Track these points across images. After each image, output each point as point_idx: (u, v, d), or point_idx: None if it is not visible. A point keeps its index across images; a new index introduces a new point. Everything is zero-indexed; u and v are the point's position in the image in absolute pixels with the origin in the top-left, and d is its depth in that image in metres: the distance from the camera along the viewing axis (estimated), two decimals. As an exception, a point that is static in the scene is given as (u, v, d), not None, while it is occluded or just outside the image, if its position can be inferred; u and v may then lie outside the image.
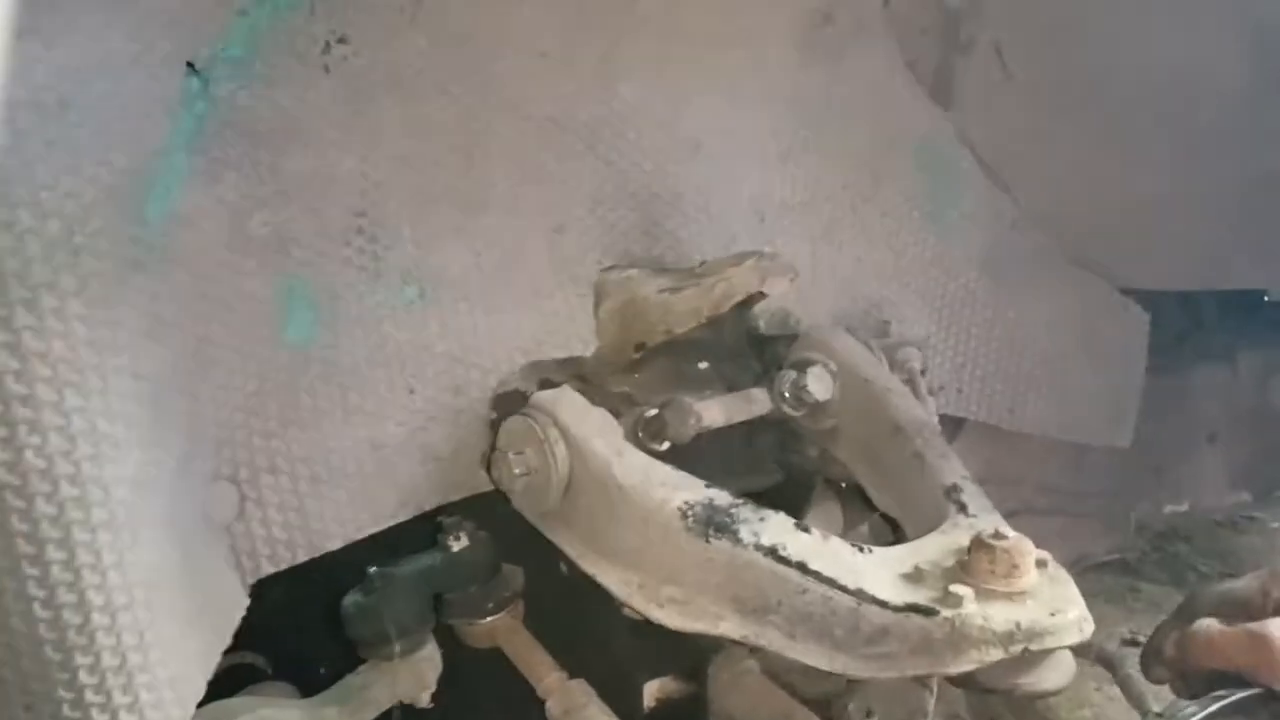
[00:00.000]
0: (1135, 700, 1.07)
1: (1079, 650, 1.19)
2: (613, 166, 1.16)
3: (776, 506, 1.25)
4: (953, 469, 1.07)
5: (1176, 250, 1.55)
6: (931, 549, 0.92)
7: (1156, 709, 1.05)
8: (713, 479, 0.97)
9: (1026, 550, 0.86)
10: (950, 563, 0.90)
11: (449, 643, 1.05)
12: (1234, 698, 0.77)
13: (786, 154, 1.32)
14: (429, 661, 1.01)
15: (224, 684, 0.91)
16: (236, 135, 0.86)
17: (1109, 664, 1.14)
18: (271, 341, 0.92)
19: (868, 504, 1.22)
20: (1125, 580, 1.88)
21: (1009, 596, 0.84)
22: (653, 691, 1.03)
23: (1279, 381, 1.73)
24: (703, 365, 1.20)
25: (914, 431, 1.12)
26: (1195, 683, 0.85)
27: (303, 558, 0.94)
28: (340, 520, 0.96)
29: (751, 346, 1.23)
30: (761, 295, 1.09)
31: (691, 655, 1.07)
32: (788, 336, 1.23)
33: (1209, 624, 0.84)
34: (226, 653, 0.88)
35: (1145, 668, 0.93)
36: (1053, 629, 0.82)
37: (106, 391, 0.72)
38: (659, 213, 1.20)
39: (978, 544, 0.86)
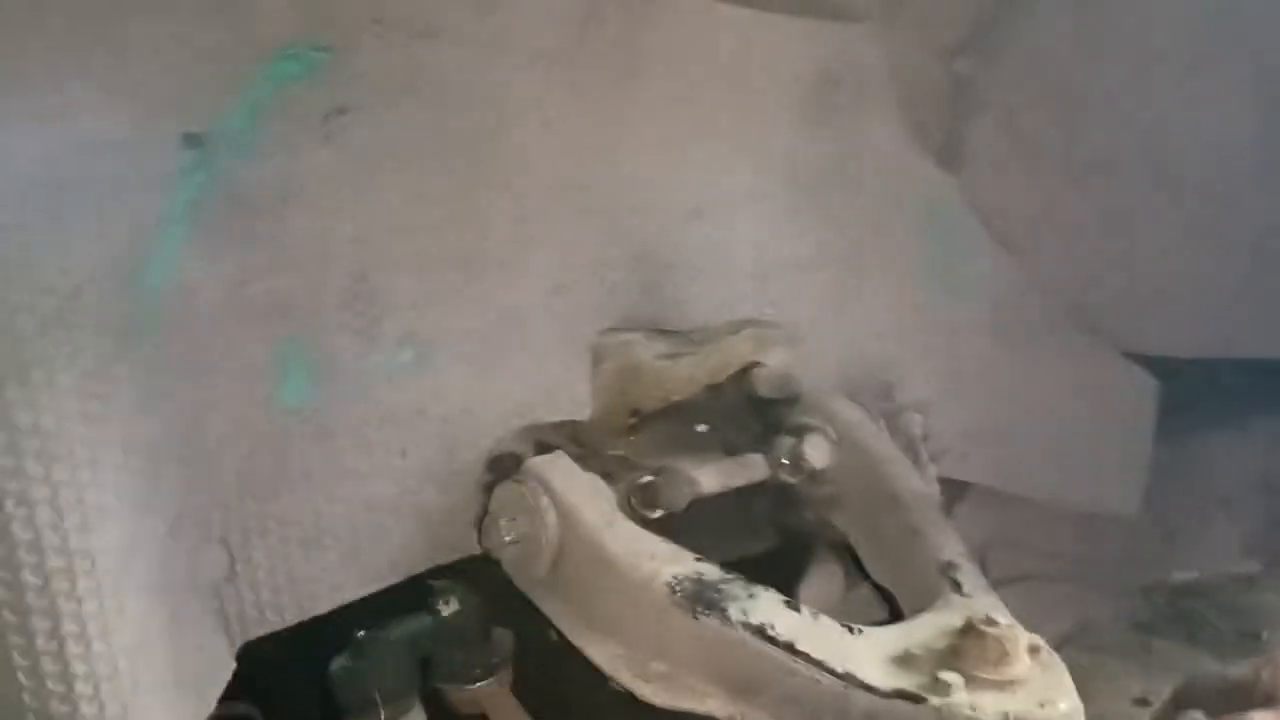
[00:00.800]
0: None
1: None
2: (613, 229, 1.17)
3: (774, 570, 1.25)
4: (950, 545, 1.07)
5: (1184, 317, 1.55)
6: (923, 630, 0.91)
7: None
8: (707, 543, 0.97)
9: (1019, 637, 0.85)
10: (942, 645, 0.89)
11: (435, 707, 1.05)
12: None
13: (791, 215, 1.32)
14: (415, 727, 1.01)
15: None
16: (235, 207, 0.87)
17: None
18: (266, 405, 0.93)
19: (863, 571, 1.21)
20: (1138, 637, 1.84)
21: (999, 685, 0.83)
22: (635, 763, 1.02)
23: (1291, 449, 1.71)
24: (701, 428, 1.20)
25: (912, 504, 1.11)
26: None
27: (291, 620, 0.94)
28: (330, 583, 0.96)
29: (751, 409, 1.23)
30: (759, 364, 1.09)
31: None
32: (788, 400, 1.23)
33: (1198, 715, 0.83)
34: (220, 701, 0.89)
35: None
36: None
37: (96, 464, 0.73)
38: (659, 275, 1.21)
39: (969, 630, 0.85)
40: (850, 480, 1.17)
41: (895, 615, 1.12)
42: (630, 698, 0.92)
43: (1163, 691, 1.03)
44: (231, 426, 0.91)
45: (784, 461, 1.16)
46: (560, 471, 0.99)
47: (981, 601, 0.96)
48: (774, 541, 1.24)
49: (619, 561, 0.92)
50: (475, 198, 1.05)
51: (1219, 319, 1.55)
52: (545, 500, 0.96)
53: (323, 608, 0.96)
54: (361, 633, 0.97)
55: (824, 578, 1.31)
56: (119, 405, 0.76)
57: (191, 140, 0.82)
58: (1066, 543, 1.63)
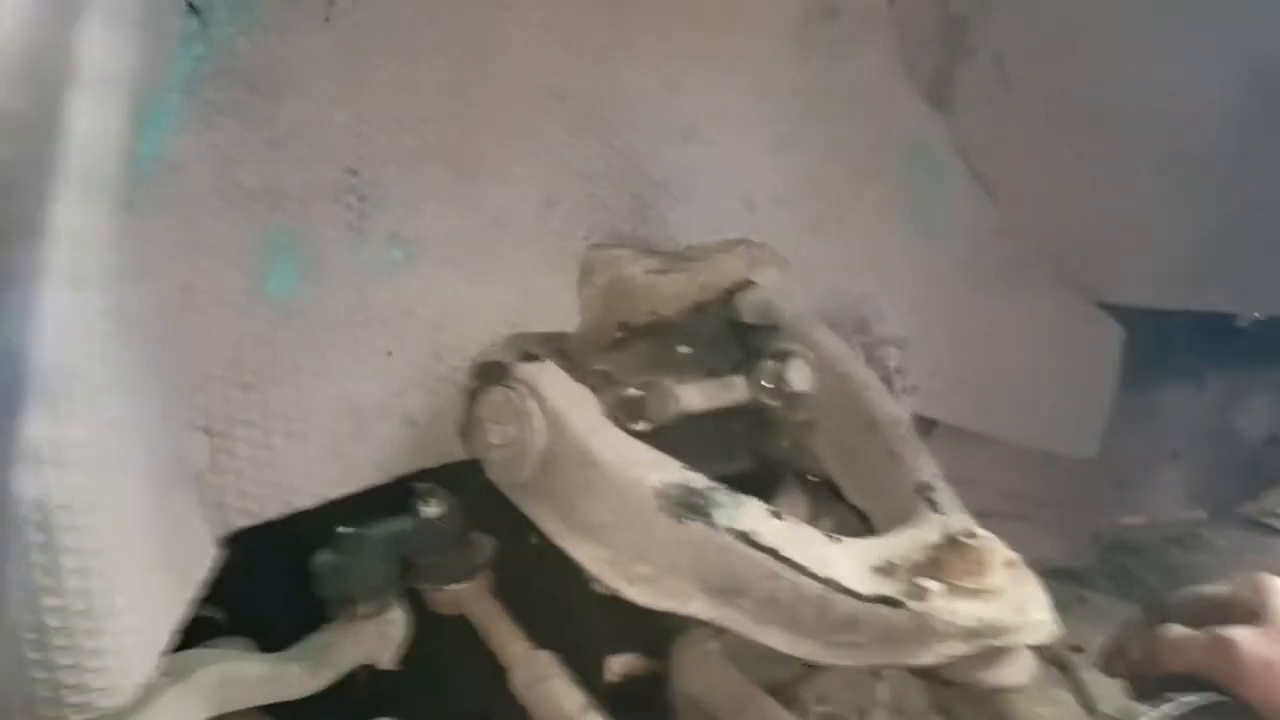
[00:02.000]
0: (1086, 701, 1.09)
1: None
2: (607, 144, 1.16)
3: (746, 493, 1.27)
4: (926, 467, 1.08)
5: (1155, 269, 1.58)
6: (902, 543, 0.92)
7: (1108, 711, 1.07)
8: (686, 462, 0.98)
9: (996, 550, 0.86)
10: (920, 558, 0.90)
11: (416, 608, 1.05)
12: (1188, 702, 0.78)
13: (780, 145, 1.32)
14: (394, 624, 1.01)
15: (181, 637, 0.90)
16: (232, 80, 0.85)
17: (1061, 664, 1.16)
18: (253, 294, 0.91)
19: (835, 497, 1.23)
20: (1072, 589, 1.90)
21: (976, 594, 0.84)
22: (616, 667, 1.04)
23: (1243, 404, 1.76)
24: (684, 350, 1.20)
25: (890, 428, 1.12)
26: (1154, 686, 0.86)
27: (274, 514, 0.93)
28: (314, 479, 0.96)
29: (733, 334, 1.23)
30: (749, 283, 1.09)
31: (656, 634, 1.08)
32: (769, 327, 1.23)
33: (1176, 627, 0.85)
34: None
35: (1108, 663, 0.94)
36: (1017, 627, 0.83)
37: (89, 334, 0.71)
38: (649, 195, 1.20)
39: (949, 541, 0.87)
40: (829, 405, 1.17)
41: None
42: (611, 600, 0.93)
43: (1094, 641, 1.06)
44: (220, 313, 0.90)
45: (766, 384, 1.16)
46: (549, 378, 0.98)
47: (957, 519, 0.98)
48: (748, 464, 1.24)
49: (606, 466, 0.92)
50: (469, 94, 1.03)
51: (1187, 273, 1.58)
52: (533, 405, 0.95)
53: (305, 503, 0.95)
54: (344, 529, 0.96)
55: (790, 505, 1.33)
56: (111, 272, 0.73)
57: (192, 9, 0.79)
58: (1022, 483, 1.67)
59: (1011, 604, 0.85)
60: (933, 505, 1.01)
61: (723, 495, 0.93)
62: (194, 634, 1.17)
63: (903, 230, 1.46)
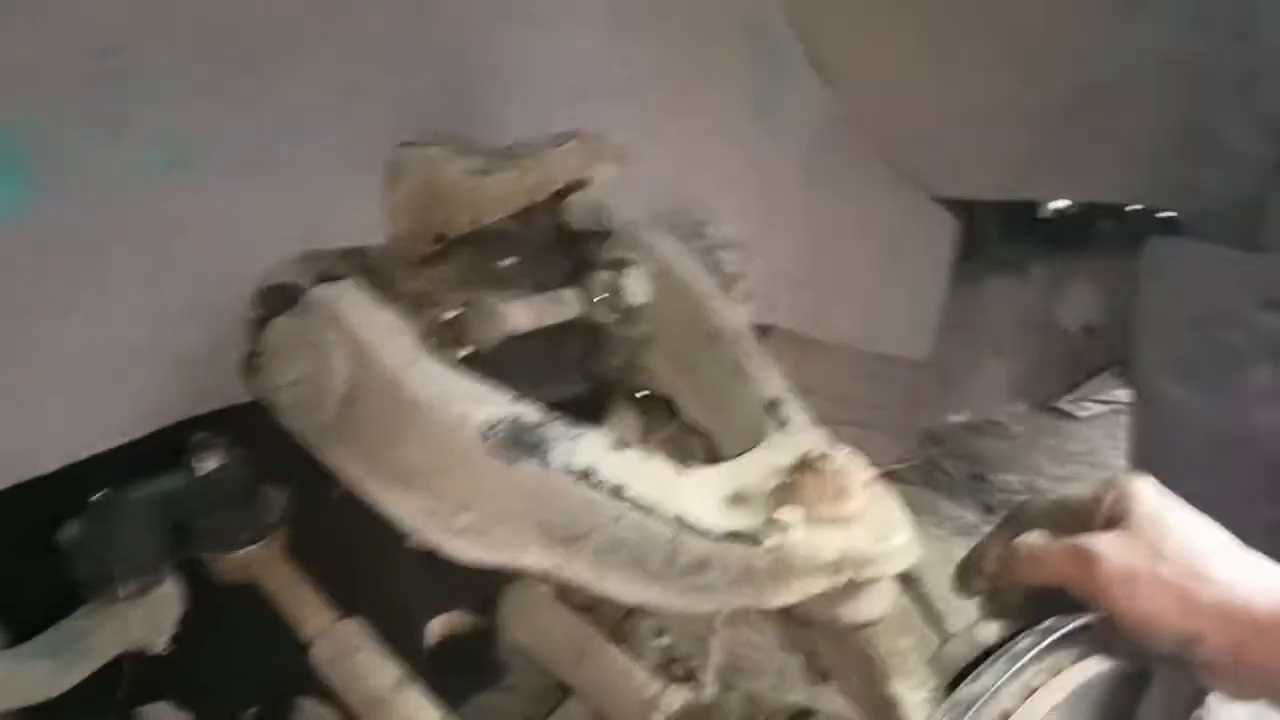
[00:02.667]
0: (932, 618, 1.06)
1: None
2: (421, 25, 1.00)
3: (576, 416, 1.17)
4: (774, 382, 1.00)
5: (991, 160, 1.53)
6: (754, 469, 0.84)
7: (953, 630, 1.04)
8: (512, 388, 0.86)
9: (856, 472, 0.79)
10: (774, 484, 0.81)
11: (195, 579, 0.90)
12: (1062, 626, 0.74)
13: (618, 30, 1.19)
14: (165, 602, 0.85)
15: None
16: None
17: (905, 578, 1.13)
18: (-37, 211, 0.73)
19: (669, 414, 1.15)
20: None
21: (834, 522, 0.77)
22: (438, 628, 0.92)
23: (1064, 295, 1.78)
24: (508, 261, 1.07)
25: (733, 340, 1.03)
26: (1013, 600, 0.83)
27: (9, 482, 0.77)
28: (59, 436, 0.79)
29: (561, 242, 1.11)
30: (583, 184, 0.97)
31: (481, 587, 0.97)
32: (601, 233, 1.12)
33: (1035, 537, 0.81)
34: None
35: (962, 581, 0.89)
36: (879, 556, 0.76)
37: None
38: (468, 82, 1.05)
39: (804, 465, 0.79)
40: (667, 317, 1.08)
41: (711, 461, 1.07)
42: (429, 555, 0.82)
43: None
44: (-82, 240, 0.71)
45: (600, 297, 1.05)
46: (349, 302, 0.84)
47: (810, 437, 0.90)
48: (581, 386, 1.14)
49: (423, 404, 0.80)
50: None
51: (1024, 163, 1.54)
52: (331, 335, 0.82)
53: (49, 465, 0.79)
54: (97, 495, 0.80)
55: (621, 426, 1.25)
56: None
57: None
58: (857, 387, 1.64)
59: (873, 529, 0.78)
60: (782, 423, 0.94)
61: (558, 429, 0.82)
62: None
63: (739, 123, 1.36)
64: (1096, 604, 0.73)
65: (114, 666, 0.85)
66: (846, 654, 0.86)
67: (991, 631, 0.89)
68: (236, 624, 0.92)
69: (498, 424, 0.80)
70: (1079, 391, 1.89)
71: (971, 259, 1.80)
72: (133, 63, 0.79)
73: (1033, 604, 0.80)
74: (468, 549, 0.82)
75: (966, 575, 0.88)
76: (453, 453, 0.80)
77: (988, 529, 0.86)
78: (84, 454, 0.81)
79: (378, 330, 0.83)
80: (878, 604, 0.83)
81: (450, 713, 0.84)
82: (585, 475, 0.79)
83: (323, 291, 0.84)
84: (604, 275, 1.05)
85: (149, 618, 0.86)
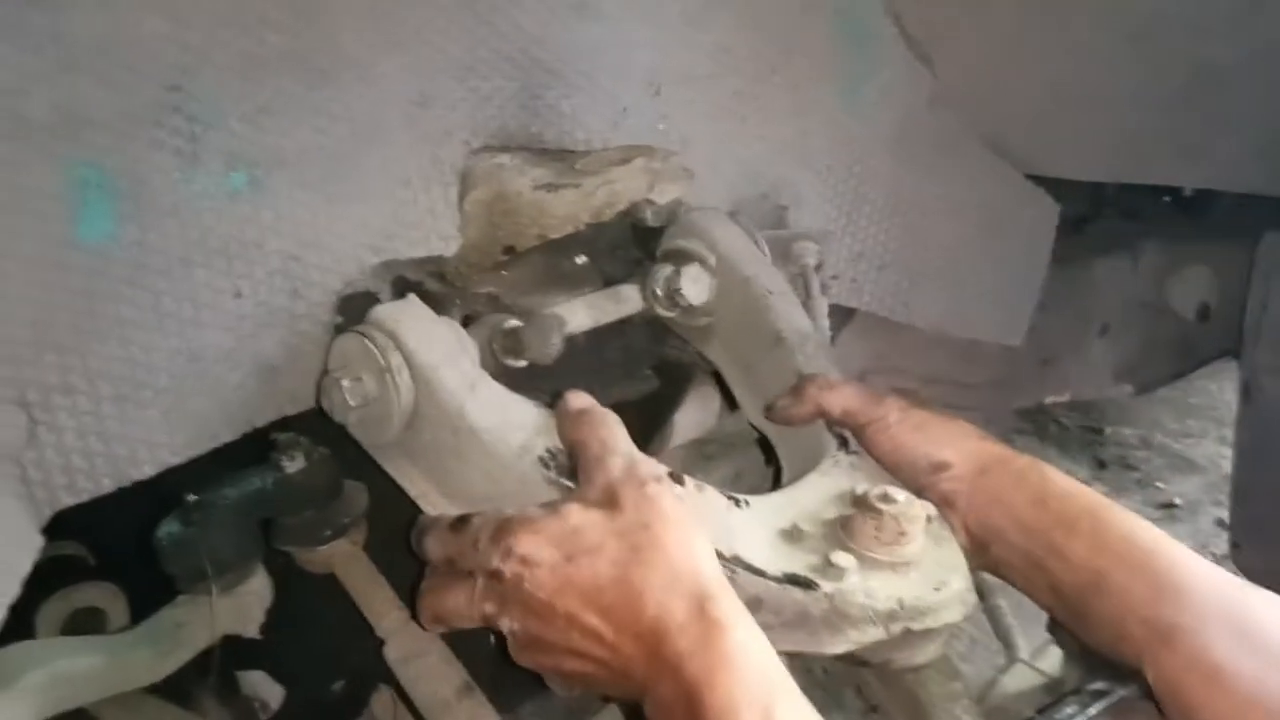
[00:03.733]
0: (1002, 635, 1.05)
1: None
2: (489, 27, 1.01)
3: (650, 400, 1.17)
4: None
5: (1100, 140, 1.46)
6: (811, 497, 0.85)
7: (1023, 646, 1.04)
8: (584, 385, 0.87)
9: (914, 515, 0.80)
10: (831, 515, 0.83)
11: (283, 569, 0.96)
12: (1114, 697, 0.74)
13: (693, 17, 1.17)
14: (255, 595, 0.92)
15: (42, 578, 0.82)
16: (3, -1, 0.69)
17: (976, 588, 1.12)
18: (61, 242, 0.78)
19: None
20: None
21: (892, 567, 0.79)
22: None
23: (1177, 277, 1.70)
24: (580, 260, 1.08)
25: (796, 345, 1.01)
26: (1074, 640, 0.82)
27: (109, 487, 0.83)
28: (152, 444, 0.84)
29: (635, 237, 1.11)
30: (649, 203, 0.97)
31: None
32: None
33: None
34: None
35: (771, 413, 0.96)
36: (936, 607, 0.78)
37: None
38: (539, 82, 1.05)
39: (863, 505, 0.80)
40: (728, 311, 1.06)
41: (766, 449, 1.06)
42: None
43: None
44: (20, 270, 0.77)
45: (658, 294, 1.04)
46: (413, 321, 0.85)
47: (869, 461, 0.90)
48: (653, 384, 1.15)
49: (482, 433, 0.81)
50: (317, -17, 0.88)
51: (1136, 144, 1.47)
52: (396, 358, 0.83)
53: (145, 472, 0.85)
54: (191, 496, 0.86)
55: (700, 405, 1.25)
56: None
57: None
58: (945, 367, 1.61)
59: (930, 577, 0.79)
60: (843, 442, 0.93)
61: None
62: (57, 573, 1.10)
63: (828, 106, 1.33)
64: (874, 429, 0.88)
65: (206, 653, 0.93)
66: (896, 692, 0.85)
67: (1054, 661, 0.88)
68: (323, 609, 0.98)
69: (556, 455, 0.80)
70: (1190, 378, 1.80)
71: (1079, 236, 1.73)
72: (202, 91, 0.83)
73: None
74: None
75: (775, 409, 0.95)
76: (512, 480, 0.81)
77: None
78: (175, 460, 0.86)
79: (437, 353, 0.84)
80: (931, 648, 0.83)
81: (511, 717, 0.88)
82: None
83: (384, 311, 0.86)
84: (664, 270, 1.04)
85: (240, 608, 0.92)
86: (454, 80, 0.99)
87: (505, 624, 0.72)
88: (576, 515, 0.72)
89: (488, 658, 0.92)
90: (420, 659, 0.89)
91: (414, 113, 0.96)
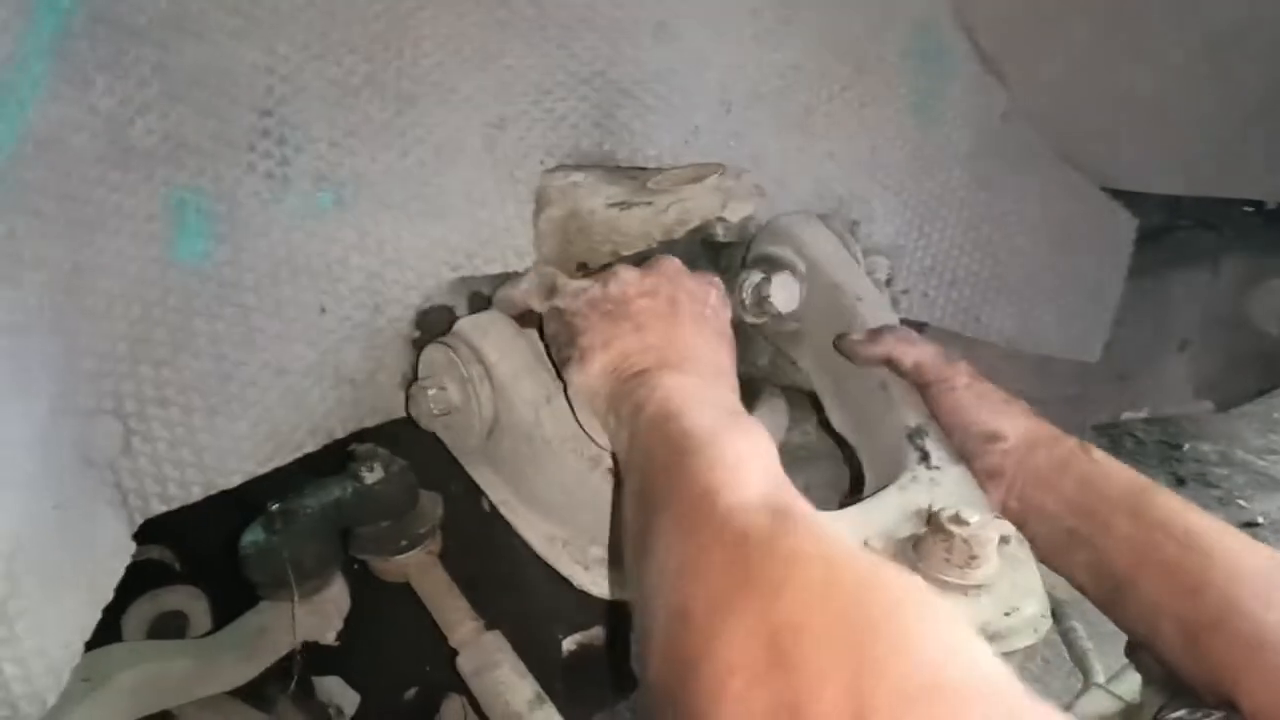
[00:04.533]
0: (1078, 658, 1.04)
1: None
2: (565, 50, 1.03)
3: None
4: (919, 407, 0.97)
5: (1178, 153, 1.44)
6: (885, 513, 0.83)
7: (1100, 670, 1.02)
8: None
9: (988, 539, 0.77)
10: (905, 534, 0.81)
11: (360, 576, 0.99)
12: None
13: (764, 36, 1.18)
14: (334, 603, 0.95)
15: (130, 581, 0.85)
16: (110, 31, 0.73)
17: (1052, 610, 1.10)
18: (159, 261, 0.82)
19: (814, 408, 1.13)
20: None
21: (963, 590, 0.77)
22: (573, 639, 0.98)
23: (1259, 292, 1.65)
24: (655, 273, 1.09)
25: None
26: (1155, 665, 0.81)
27: (198, 495, 0.86)
28: (240, 454, 0.88)
29: (706, 253, 1.12)
30: (720, 220, 0.98)
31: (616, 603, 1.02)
32: (746, 243, 1.12)
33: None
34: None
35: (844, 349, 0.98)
36: (1008, 631, 0.76)
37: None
38: (612, 102, 1.07)
39: (935, 527, 0.78)
40: (817, 317, 1.05)
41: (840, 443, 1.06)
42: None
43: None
44: (121, 287, 0.80)
45: (745, 300, 1.04)
46: (494, 335, 0.88)
47: (949, 477, 0.88)
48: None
49: (556, 444, 0.83)
50: (401, 13, 0.90)
51: (1214, 157, 1.44)
52: (478, 370, 0.86)
53: (232, 481, 0.88)
54: (274, 505, 0.89)
55: (768, 419, 1.26)
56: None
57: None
58: (1018, 382, 1.58)
59: (1003, 600, 0.77)
60: (924, 456, 0.90)
61: None
62: (143, 577, 1.14)
63: (899, 121, 1.32)
64: (939, 389, 0.91)
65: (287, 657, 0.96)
66: None
67: (1133, 686, 0.86)
68: (398, 618, 1.00)
69: None
70: (1272, 394, 1.75)
71: (1156, 248, 1.69)
72: (291, 118, 0.86)
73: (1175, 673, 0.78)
74: (597, 583, 0.86)
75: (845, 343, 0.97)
76: (585, 491, 0.83)
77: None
78: (263, 470, 0.89)
79: (516, 365, 0.87)
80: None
81: (582, 728, 0.90)
82: None
83: (469, 324, 0.89)
84: (753, 277, 1.04)
85: (319, 614, 0.95)
86: (530, 103, 1.01)
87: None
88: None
89: (559, 670, 0.94)
90: (492, 670, 0.91)
91: (492, 135, 0.99)
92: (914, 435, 0.93)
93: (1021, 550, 0.82)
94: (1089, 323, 1.49)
